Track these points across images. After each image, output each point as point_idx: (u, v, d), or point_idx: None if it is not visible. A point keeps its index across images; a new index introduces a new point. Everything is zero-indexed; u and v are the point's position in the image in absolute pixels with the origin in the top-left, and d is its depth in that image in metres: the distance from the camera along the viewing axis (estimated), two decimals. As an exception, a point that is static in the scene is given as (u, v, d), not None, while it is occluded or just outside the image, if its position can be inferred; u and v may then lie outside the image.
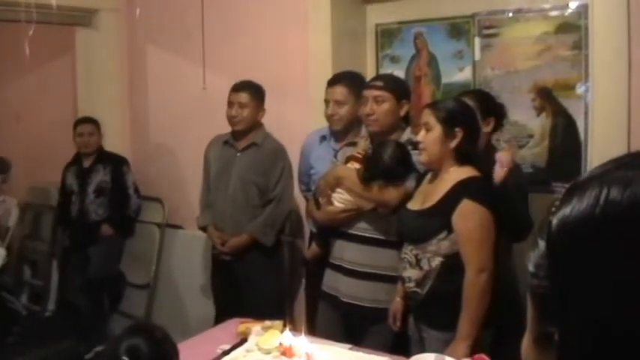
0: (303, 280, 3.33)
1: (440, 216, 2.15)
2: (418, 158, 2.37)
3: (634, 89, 2.74)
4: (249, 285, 3.09)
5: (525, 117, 3.16)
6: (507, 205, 2.22)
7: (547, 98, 3.13)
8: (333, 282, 2.62)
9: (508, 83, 3.22)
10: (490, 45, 3.30)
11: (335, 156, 2.88)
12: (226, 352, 1.96)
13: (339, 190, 2.56)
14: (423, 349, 2.25)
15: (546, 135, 3.15)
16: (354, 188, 2.50)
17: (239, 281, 3.14)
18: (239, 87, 3.12)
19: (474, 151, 2.25)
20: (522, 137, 3.19)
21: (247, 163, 3.13)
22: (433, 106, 2.27)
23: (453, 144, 2.21)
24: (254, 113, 3.11)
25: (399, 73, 3.43)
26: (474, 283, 2.08)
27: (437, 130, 2.20)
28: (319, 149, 3.07)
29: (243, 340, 2.11)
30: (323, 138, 3.07)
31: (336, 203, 2.57)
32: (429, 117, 2.22)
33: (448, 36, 3.41)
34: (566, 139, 3.09)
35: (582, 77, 3.03)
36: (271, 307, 3.00)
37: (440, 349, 2.12)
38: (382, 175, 2.43)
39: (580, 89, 3.03)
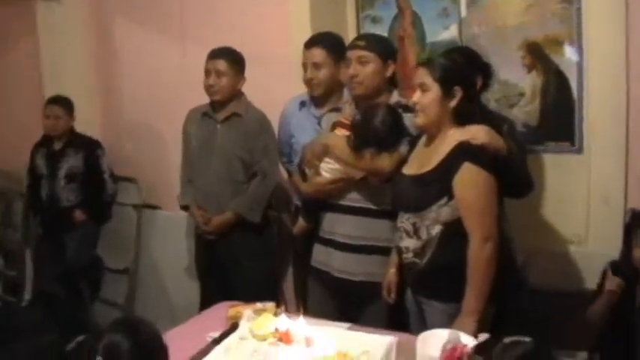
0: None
1: (439, 181, 2.02)
2: (413, 121, 2.24)
3: (632, 43, 2.61)
4: (237, 265, 2.95)
5: (515, 75, 3.03)
6: (510, 166, 2.08)
7: (537, 55, 3.00)
8: (324, 257, 2.49)
9: (496, 41, 3.07)
10: (476, 1, 3.14)
11: (318, 123, 2.75)
12: (217, 341, 1.81)
13: (326, 159, 2.42)
14: (423, 322, 2.15)
15: (537, 93, 3.02)
16: (343, 157, 2.35)
17: (225, 262, 2.99)
18: (216, 54, 2.93)
19: (472, 111, 2.12)
20: (513, 96, 3.06)
21: (229, 135, 2.95)
22: (428, 64, 2.12)
23: (452, 104, 2.08)
24: (233, 81, 2.94)
25: (381, 34, 3.26)
26: (478, 253, 1.96)
27: (434, 90, 2.06)
28: (299, 116, 2.92)
29: (234, 326, 1.96)
30: (302, 104, 2.92)
31: (324, 174, 2.43)
32: (424, 76, 2.08)
33: (433, -6, 3.25)
34: (558, 97, 2.96)
35: (574, 33, 2.90)
36: (261, 288, 2.87)
37: (443, 321, 2.01)
38: (374, 141, 2.28)
39: (572, 45, 2.89)
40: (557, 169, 2.92)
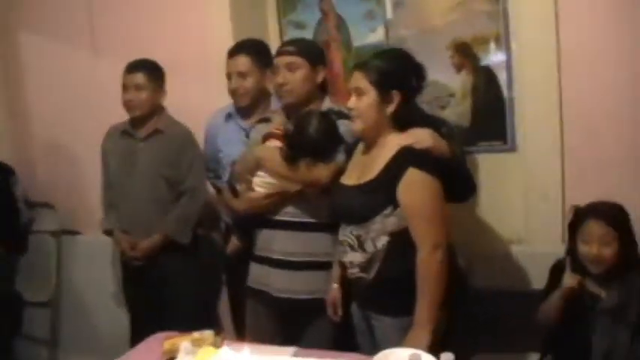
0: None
1: (383, 189, 1.92)
2: (348, 128, 2.15)
3: (562, 40, 2.60)
4: (168, 291, 2.77)
5: (445, 76, 2.97)
6: (455, 169, 2.01)
7: (466, 55, 2.96)
8: (261, 277, 2.35)
9: (424, 42, 3.01)
10: (402, 3, 3.09)
11: (247, 135, 2.61)
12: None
13: (259, 173, 2.28)
14: (372, 339, 2.05)
15: (468, 93, 2.99)
16: (277, 169, 2.22)
17: (155, 288, 2.79)
18: (133, 67, 2.75)
19: (411, 115, 2.04)
20: (444, 97, 3.01)
21: (152, 153, 2.77)
22: (363, 68, 2.02)
23: (390, 108, 1.98)
24: (153, 96, 2.77)
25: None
26: (429, 262, 1.87)
27: (371, 94, 1.97)
28: (226, 129, 2.78)
29: (170, 360, 1.79)
30: (228, 116, 2.78)
31: (257, 188, 2.29)
32: (360, 81, 1.99)
33: (357, -3, 3.17)
34: (488, 96, 2.93)
35: (502, 31, 2.88)
36: (195, 313, 2.72)
37: (395, 337, 1.92)
38: (309, 151, 2.16)
39: (500, 44, 2.87)
40: (491, 169, 2.88)
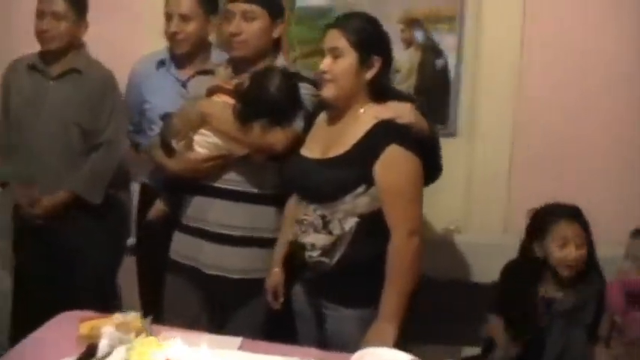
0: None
1: (356, 166, 1.71)
2: (308, 93, 1.95)
3: (526, 32, 2.57)
4: (71, 259, 2.41)
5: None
6: (434, 148, 1.85)
7: (417, 30, 2.83)
8: (190, 250, 2.07)
9: (374, 10, 2.77)
10: (355, -35, 2.88)
11: (184, 86, 2.33)
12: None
13: (202, 131, 2.00)
14: (319, 329, 1.87)
15: (414, 71, 2.87)
16: (226, 128, 1.94)
17: (56, 254, 2.43)
18: None
19: (388, 86, 1.84)
20: (389, 72, 2.86)
21: (66, 95, 2.38)
22: (343, 26, 1.80)
23: (369, 75, 1.77)
24: (73, 27, 2.37)
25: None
26: (403, 249, 1.69)
27: (350, 56, 1.76)
28: (156, 78, 2.46)
29: (91, 349, 1.48)
30: (161, 63, 2.47)
31: (198, 148, 2.00)
32: (338, 40, 1.77)
33: (305, -49, 2.93)
34: (434, 76, 2.83)
35: (457, 11, 2.78)
36: (98, 286, 2.40)
37: (352, 330, 1.76)
38: (266, 111, 1.90)
39: (454, 24, 2.77)
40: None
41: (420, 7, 2.79)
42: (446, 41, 2.79)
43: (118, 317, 1.63)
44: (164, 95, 2.37)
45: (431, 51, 2.82)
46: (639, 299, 1.98)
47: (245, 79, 1.97)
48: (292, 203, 1.93)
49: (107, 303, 2.32)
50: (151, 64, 2.47)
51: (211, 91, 2.03)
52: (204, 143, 1.99)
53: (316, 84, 1.95)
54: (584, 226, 2.01)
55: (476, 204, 2.66)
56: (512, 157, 2.59)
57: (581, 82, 2.55)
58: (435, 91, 2.81)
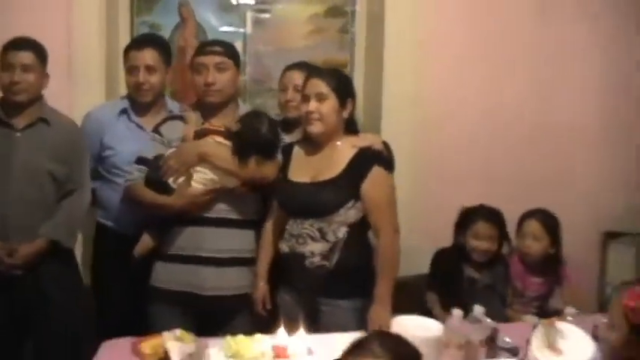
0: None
1: (347, 185, 2.16)
2: (284, 132, 2.37)
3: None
4: (47, 302, 2.45)
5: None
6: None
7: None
8: (185, 276, 2.32)
9: (280, 60, 3.28)
10: (262, 21, 3.34)
11: (156, 131, 2.46)
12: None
13: (198, 168, 2.29)
14: (314, 325, 2.17)
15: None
16: (225, 165, 2.28)
17: (31, 300, 2.46)
18: (20, 44, 2.39)
19: (355, 122, 2.32)
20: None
21: (35, 146, 2.42)
22: (321, 75, 2.23)
23: (345, 114, 2.24)
24: (41, 80, 2.44)
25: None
26: (391, 244, 2.16)
27: (332, 99, 2.20)
28: (118, 126, 2.64)
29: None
30: (123, 112, 2.66)
31: (194, 184, 2.29)
32: (321, 86, 2.19)
33: (218, 8, 3.31)
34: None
35: (349, 58, 3.38)
36: (83, 324, 2.51)
37: (348, 317, 2.16)
38: (259, 148, 2.28)
39: (347, 69, 3.33)
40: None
41: (318, 56, 3.26)
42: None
43: (167, 335, 1.87)
44: (127, 141, 2.55)
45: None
46: (534, 268, 2.68)
47: (232, 122, 2.33)
48: (269, 226, 2.33)
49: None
50: (110, 113, 2.64)
51: (202, 133, 2.32)
52: (201, 179, 2.28)
53: (282, 122, 2.42)
54: (499, 225, 2.63)
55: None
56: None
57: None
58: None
